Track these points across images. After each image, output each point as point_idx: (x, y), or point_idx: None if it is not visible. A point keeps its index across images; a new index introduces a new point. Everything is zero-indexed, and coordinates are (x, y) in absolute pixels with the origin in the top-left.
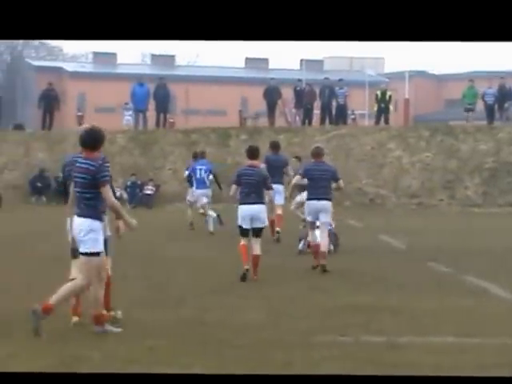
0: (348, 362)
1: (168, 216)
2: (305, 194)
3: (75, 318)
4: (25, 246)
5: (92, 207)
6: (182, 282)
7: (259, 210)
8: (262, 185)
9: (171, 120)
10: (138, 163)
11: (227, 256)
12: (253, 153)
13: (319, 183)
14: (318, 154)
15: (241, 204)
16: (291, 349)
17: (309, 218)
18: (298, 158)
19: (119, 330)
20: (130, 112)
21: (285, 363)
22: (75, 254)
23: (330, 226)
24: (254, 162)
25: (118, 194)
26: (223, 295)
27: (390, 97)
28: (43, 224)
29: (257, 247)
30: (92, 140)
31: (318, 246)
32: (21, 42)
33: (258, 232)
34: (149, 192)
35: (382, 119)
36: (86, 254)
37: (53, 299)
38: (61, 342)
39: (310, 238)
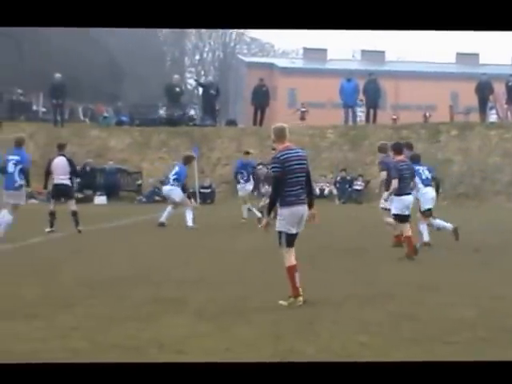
0: None
1: (375, 212)
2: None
3: (300, 299)
4: (233, 238)
5: None
6: (388, 277)
7: (413, 199)
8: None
9: (394, 117)
10: (347, 158)
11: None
12: (401, 148)
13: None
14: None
15: (403, 195)
16: (506, 347)
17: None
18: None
19: None
20: (363, 108)
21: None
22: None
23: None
24: (403, 157)
25: (326, 190)
26: (431, 292)
27: None
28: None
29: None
30: None
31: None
32: (233, 38)
33: (409, 217)
34: (358, 187)
35: None
36: None
37: None
38: (276, 335)
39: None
